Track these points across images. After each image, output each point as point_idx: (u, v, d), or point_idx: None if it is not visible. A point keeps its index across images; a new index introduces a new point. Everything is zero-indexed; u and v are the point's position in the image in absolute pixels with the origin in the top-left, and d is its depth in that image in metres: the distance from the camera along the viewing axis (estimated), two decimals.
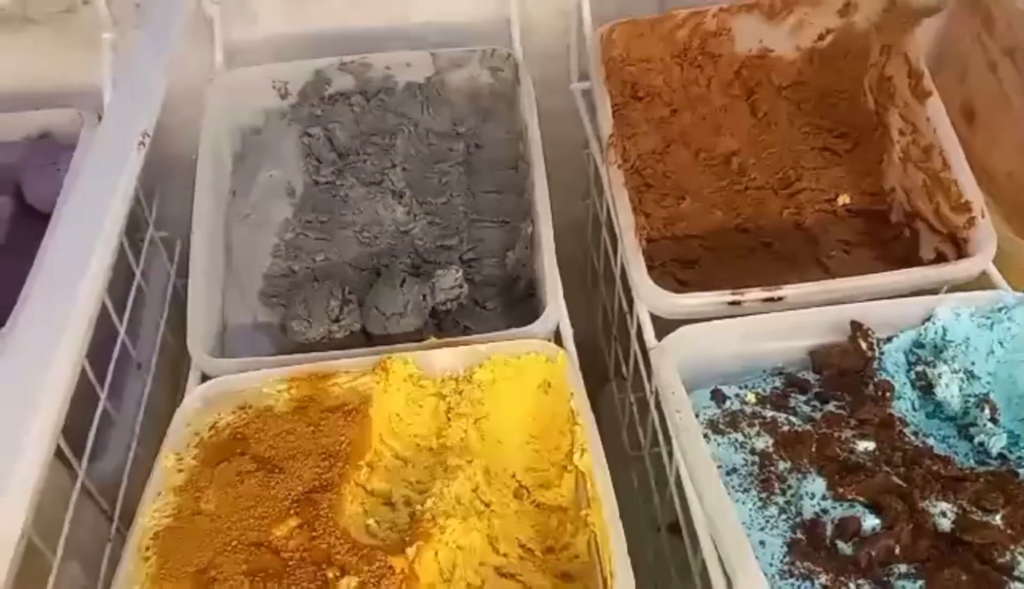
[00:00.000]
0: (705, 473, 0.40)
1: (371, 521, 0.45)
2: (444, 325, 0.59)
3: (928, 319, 0.51)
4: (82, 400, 0.56)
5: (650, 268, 0.56)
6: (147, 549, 0.43)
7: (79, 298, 0.43)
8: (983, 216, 0.55)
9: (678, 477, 0.53)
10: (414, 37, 0.70)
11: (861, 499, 0.41)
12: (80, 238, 0.45)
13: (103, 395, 0.58)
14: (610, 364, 0.77)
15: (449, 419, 0.51)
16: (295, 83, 0.67)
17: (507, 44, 0.69)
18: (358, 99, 0.67)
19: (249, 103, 0.67)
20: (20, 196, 0.66)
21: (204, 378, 0.54)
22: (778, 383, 0.51)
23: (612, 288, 0.70)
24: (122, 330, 0.62)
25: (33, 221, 0.65)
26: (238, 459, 0.47)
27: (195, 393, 0.52)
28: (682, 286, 0.61)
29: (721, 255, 0.63)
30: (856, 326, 0.51)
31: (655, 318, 0.55)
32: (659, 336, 0.53)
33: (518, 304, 0.61)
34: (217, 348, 0.57)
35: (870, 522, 0.40)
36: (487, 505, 0.48)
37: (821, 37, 0.68)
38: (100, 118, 0.67)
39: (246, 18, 0.69)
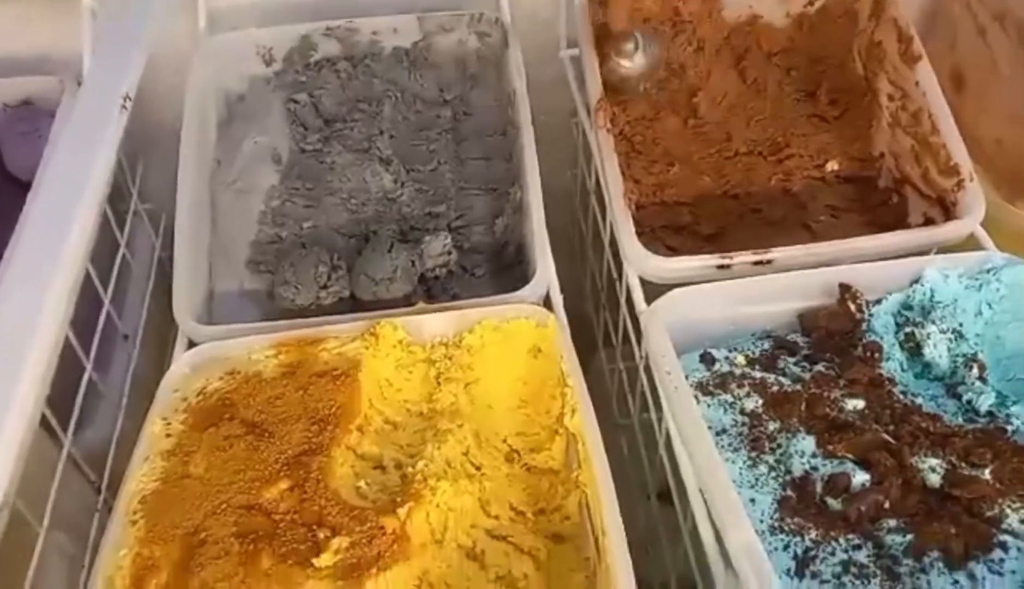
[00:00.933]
0: (695, 433, 0.40)
1: (362, 483, 0.45)
2: (433, 291, 0.59)
3: (916, 281, 0.51)
4: (68, 371, 0.55)
5: (639, 234, 0.55)
6: (135, 513, 0.43)
7: (61, 265, 0.42)
8: (971, 179, 0.55)
9: (668, 441, 0.53)
10: (401, 1, 0.69)
11: (850, 456, 0.42)
12: (62, 204, 0.45)
13: (89, 365, 0.57)
14: (599, 333, 0.77)
15: (439, 384, 0.51)
16: (280, 49, 0.66)
17: (495, 9, 0.68)
18: (344, 65, 0.66)
19: (233, 69, 0.66)
20: (1, 164, 0.65)
21: (191, 345, 0.54)
22: (767, 345, 0.51)
23: (601, 256, 0.70)
24: (107, 301, 0.61)
25: (14, 189, 0.64)
26: (227, 424, 0.47)
27: (183, 359, 0.52)
28: (671, 252, 0.61)
29: (710, 221, 0.63)
30: (845, 288, 0.51)
31: (645, 284, 0.55)
32: (649, 302, 0.53)
33: (507, 270, 0.61)
34: (204, 315, 0.57)
35: (859, 478, 0.40)
36: (478, 468, 0.48)
37: (811, 2, 0.68)
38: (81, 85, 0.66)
39: None
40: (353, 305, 0.57)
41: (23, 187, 0.64)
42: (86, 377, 0.57)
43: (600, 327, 0.76)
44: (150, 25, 0.58)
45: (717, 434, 0.45)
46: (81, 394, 0.56)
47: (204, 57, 0.64)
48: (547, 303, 0.55)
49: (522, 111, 0.61)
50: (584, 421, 0.46)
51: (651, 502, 0.61)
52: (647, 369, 0.58)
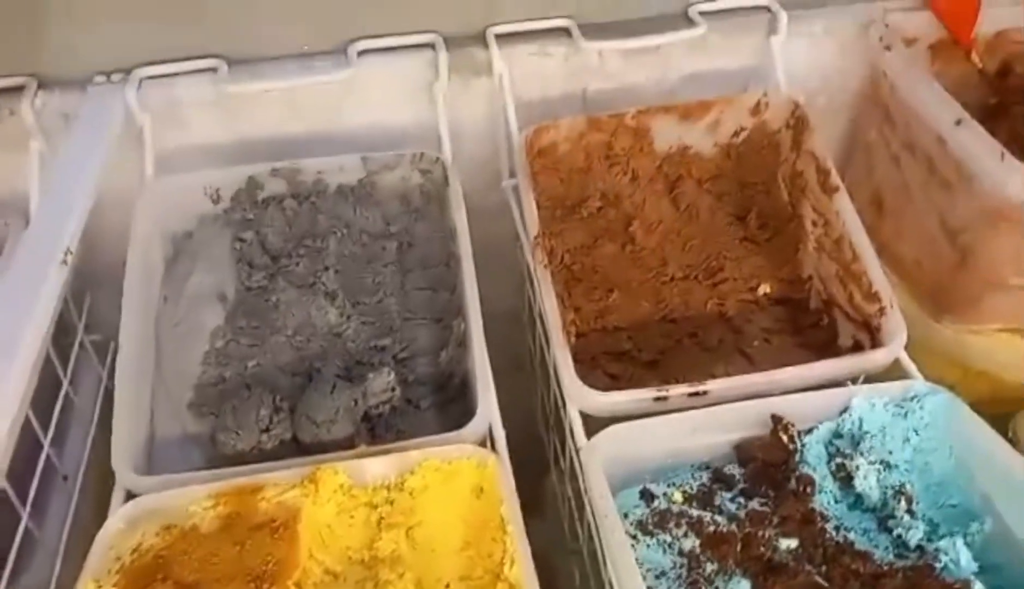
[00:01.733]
0: (631, 585, 0.41)
1: None
2: (377, 429, 0.59)
3: (845, 410, 0.53)
4: (2, 516, 0.54)
5: (581, 362, 0.57)
6: None
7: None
8: (892, 306, 0.57)
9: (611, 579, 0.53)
10: (347, 141, 0.72)
11: None
12: None
13: (25, 512, 0.56)
14: (550, 454, 0.77)
15: (380, 530, 0.51)
16: (227, 189, 0.68)
17: (437, 146, 0.71)
18: (290, 202, 0.68)
19: (181, 209, 0.67)
20: None
21: (129, 495, 0.53)
22: (705, 478, 0.52)
23: (548, 381, 0.71)
24: (47, 443, 0.61)
25: None
26: (159, 586, 0.46)
27: (118, 514, 0.51)
28: (612, 379, 0.63)
29: (649, 347, 0.64)
30: (777, 420, 0.52)
31: (586, 414, 0.56)
32: (594, 428, 0.54)
33: (451, 404, 0.61)
34: (143, 463, 0.56)
35: None
36: None
37: (736, 134, 0.72)
38: (28, 225, 0.67)
39: (178, 125, 0.70)
40: (296, 447, 0.57)
41: None
42: (23, 525, 0.56)
43: (550, 448, 0.76)
44: (96, 172, 0.59)
45: (656, 577, 0.45)
46: (17, 543, 0.55)
47: (151, 198, 0.66)
48: (492, 438, 0.56)
49: (463, 246, 0.63)
50: (522, 573, 0.46)
51: None
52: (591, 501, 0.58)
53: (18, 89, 0.67)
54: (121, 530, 0.50)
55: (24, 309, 0.48)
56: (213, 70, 0.69)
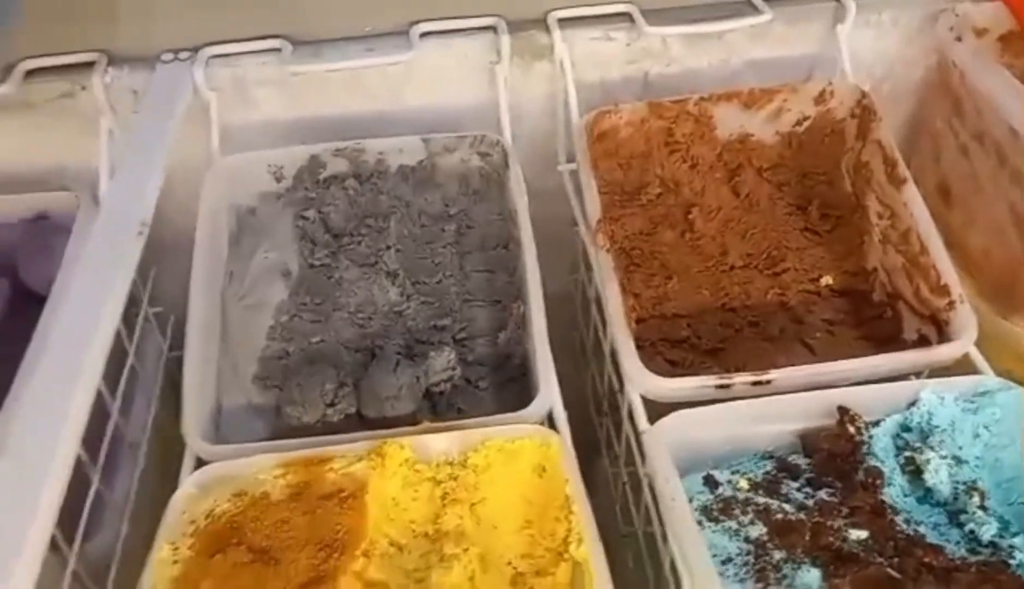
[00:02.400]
0: (701, 568, 0.41)
1: None
2: (438, 406, 0.59)
3: (914, 403, 0.52)
4: (75, 481, 0.56)
5: (639, 347, 0.57)
6: None
7: (79, 390, 0.43)
8: (962, 301, 0.57)
9: (673, 562, 0.53)
10: (407, 122, 0.72)
11: None
12: (81, 330, 0.46)
13: (96, 477, 0.57)
14: (601, 439, 0.77)
15: (444, 504, 0.52)
16: (290, 167, 0.69)
17: (496, 128, 0.71)
18: (352, 182, 0.68)
19: (245, 187, 0.68)
20: (16, 277, 0.67)
21: (199, 462, 0.54)
22: (769, 467, 0.52)
23: (602, 365, 0.71)
24: (115, 412, 0.62)
25: (30, 302, 0.65)
26: (234, 550, 0.47)
27: (190, 479, 0.52)
28: (671, 365, 0.62)
29: (709, 334, 0.64)
30: (843, 411, 0.52)
31: (645, 399, 0.56)
32: (650, 412, 0.54)
33: (510, 383, 0.62)
34: (211, 430, 0.57)
35: None
36: None
37: (799, 123, 0.71)
38: (96, 200, 0.68)
39: (244, 104, 0.71)
40: (359, 422, 0.57)
41: (38, 299, 0.65)
42: (93, 489, 0.57)
43: (603, 433, 0.76)
44: (167, 148, 0.60)
45: (722, 563, 0.45)
46: (88, 508, 0.56)
47: (217, 176, 0.67)
48: (551, 419, 0.56)
49: (524, 229, 0.63)
50: (590, 551, 0.46)
51: None
52: (651, 486, 0.58)
53: (89, 65, 0.69)
54: (193, 495, 0.51)
55: (104, 280, 0.49)
56: (278, 50, 0.70)
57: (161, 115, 0.62)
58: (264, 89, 0.70)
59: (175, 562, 0.47)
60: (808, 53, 0.74)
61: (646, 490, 0.58)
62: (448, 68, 0.71)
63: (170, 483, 0.71)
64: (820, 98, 0.69)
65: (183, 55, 0.69)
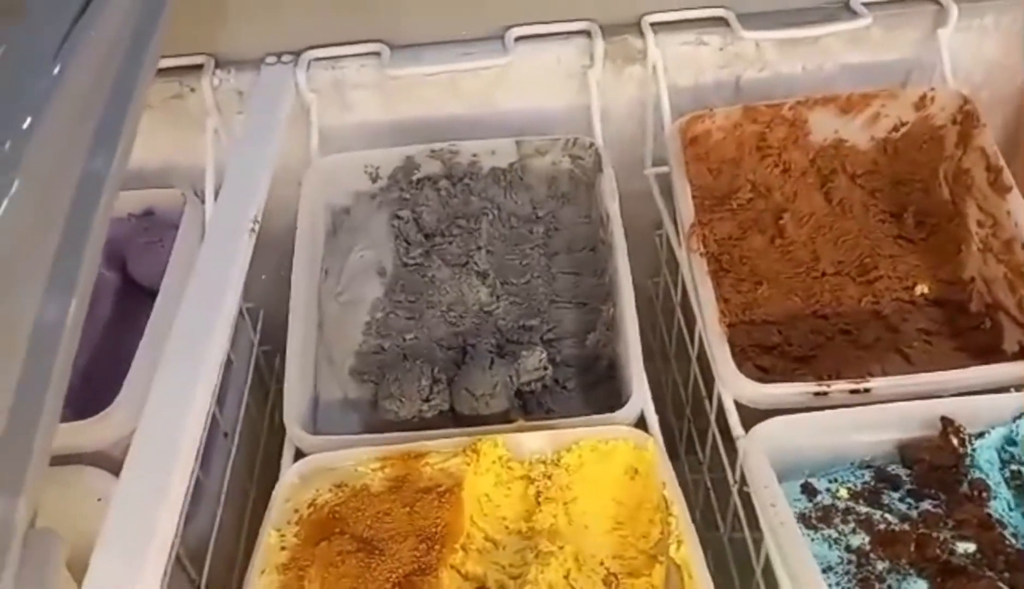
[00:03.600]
0: (808, 575, 0.41)
1: None
2: (528, 405, 0.60)
3: (1020, 416, 0.51)
4: None
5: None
6: None
7: (203, 382, 0.45)
8: None
9: (766, 567, 0.53)
10: (498, 125, 0.73)
11: None
12: (200, 327, 0.48)
13: (196, 464, 0.60)
14: (681, 443, 0.77)
15: (539, 503, 0.52)
16: (386, 168, 0.70)
17: (586, 131, 0.72)
18: (445, 183, 0.70)
19: (342, 186, 0.70)
20: (125, 270, 0.70)
21: (298, 453, 0.56)
22: (868, 477, 0.51)
23: (685, 368, 0.71)
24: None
25: (137, 295, 0.69)
26: (338, 538, 0.49)
27: (292, 469, 0.54)
28: (762, 372, 0.62)
29: (800, 341, 0.63)
30: (947, 422, 0.51)
31: (737, 404, 0.56)
32: (742, 419, 0.54)
33: (597, 385, 0.62)
34: (309, 422, 0.59)
35: None
36: None
37: (896, 128, 0.70)
38: (201, 198, 0.71)
39: (341, 106, 0.73)
40: (452, 418, 0.59)
41: (145, 292, 0.68)
42: (193, 476, 0.60)
43: (683, 437, 0.76)
44: (275, 147, 0.63)
45: (823, 571, 0.45)
46: (189, 493, 0.59)
47: (316, 175, 0.69)
48: (640, 423, 0.56)
49: (616, 232, 0.64)
50: (691, 553, 0.46)
51: None
52: (741, 491, 0.58)
53: (198, 67, 0.72)
54: (295, 485, 0.53)
55: (221, 274, 0.51)
56: (376, 54, 0.72)
57: (267, 115, 0.64)
58: (361, 92, 0.72)
59: (282, 548, 0.49)
60: (905, 58, 0.73)
61: (735, 495, 0.58)
62: (541, 72, 0.72)
63: (264, 473, 0.74)
64: (920, 103, 0.68)
65: (286, 58, 0.72)
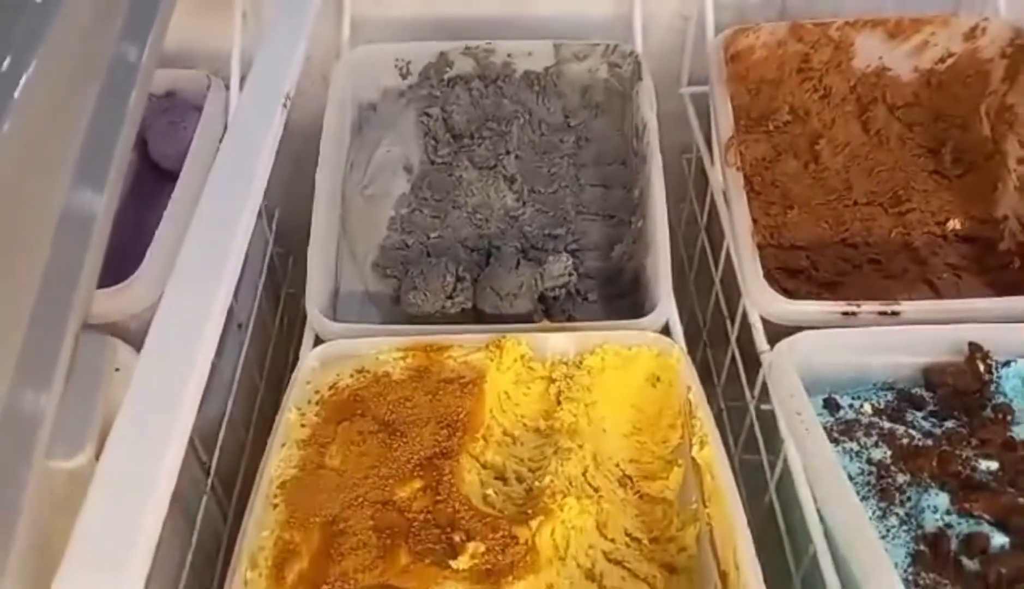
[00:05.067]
0: (832, 477, 0.41)
1: (490, 491, 0.46)
2: (551, 310, 0.60)
3: None
4: None
5: None
6: (275, 497, 0.45)
7: (231, 261, 0.44)
8: None
9: (778, 486, 0.53)
10: (535, 28, 0.71)
11: (987, 517, 0.41)
12: (233, 199, 0.47)
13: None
14: (695, 367, 0.77)
15: (560, 402, 0.52)
16: (417, 64, 0.69)
17: (626, 41, 0.70)
18: (477, 84, 0.68)
19: (371, 80, 0.69)
20: (144, 151, 0.69)
21: (317, 339, 0.56)
22: (891, 397, 0.51)
23: (705, 295, 0.71)
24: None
25: (157, 176, 0.67)
26: (359, 419, 0.49)
27: (313, 354, 0.54)
28: (787, 295, 0.61)
29: (828, 267, 0.63)
30: (975, 347, 0.51)
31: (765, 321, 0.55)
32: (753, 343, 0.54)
33: (619, 298, 0.62)
34: (329, 312, 0.58)
35: (998, 540, 0.40)
36: (596, 490, 0.48)
37: (942, 60, 0.68)
38: (225, 83, 0.69)
39: None
40: (475, 317, 0.58)
41: (165, 174, 0.67)
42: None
43: (697, 363, 0.76)
44: (308, 25, 0.60)
45: None
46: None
47: (347, 65, 0.67)
48: (664, 333, 0.56)
49: (652, 144, 0.62)
50: (714, 454, 0.46)
51: None
52: (758, 409, 0.58)
53: None
54: (315, 368, 0.53)
55: (253, 147, 0.50)
56: None
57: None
58: None
59: (303, 425, 0.49)
60: None
61: (752, 417, 0.58)
62: None
63: (274, 370, 0.74)
64: (970, 34, 0.66)
65: None
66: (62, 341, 0.36)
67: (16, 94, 0.33)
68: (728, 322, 0.63)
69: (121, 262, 0.58)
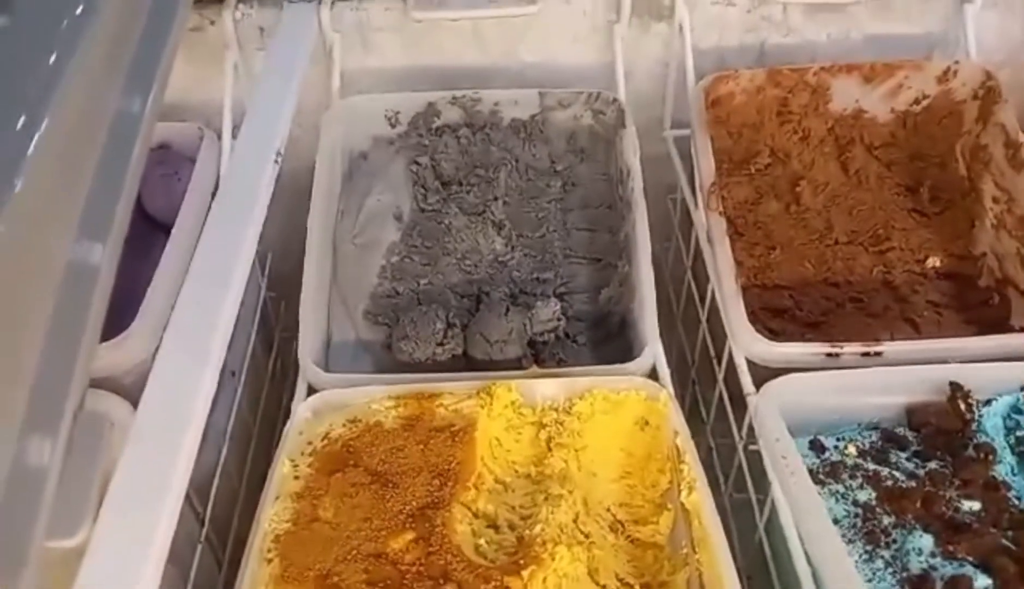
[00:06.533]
0: (817, 521, 0.41)
1: (481, 541, 0.47)
2: (541, 355, 0.61)
3: None
4: None
5: None
6: (269, 551, 0.45)
7: (224, 314, 0.45)
8: None
9: (767, 525, 0.54)
10: (520, 77, 0.73)
11: (971, 559, 0.42)
12: (226, 253, 0.48)
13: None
14: (684, 408, 0.78)
15: (550, 448, 0.53)
16: (406, 113, 0.70)
17: (608, 88, 0.71)
18: (465, 132, 0.70)
19: (360, 129, 0.70)
20: (138, 203, 0.70)
21: (311, 389, 0.56)
22: (875, 437, 0.52)
23: (692, 334, 0.72)
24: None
25: (151, 228, 0.68)
26: (352, 470, 0.49)
27: (306, 404, 0.54)
28: (772, 335, 0.63)
29: (811, 307, 0.64)
30: (956, 387, 0.52)
31: (749, 363, 0.56)
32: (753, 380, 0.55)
33: (608, 341, 0.63)
34: (322, 361, 0.59)
35: (981, 582, 0.41)
36: (587, 536, 0.49)
37: (917, 101, 0.70)
38: (217, 134, 0.70)
39: (363, 48, 0.72)
40: (466, 363, 0.59)
41: (159, 226, 0.68)
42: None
43: (686, 403, 0.77)
44: (298, 82, 0.62)
45: None
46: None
47: (337, 115, 0.68)
48: (652, 376, 0.57)
49: (636, 189, 0.64)
50: (702, 500, 0.47)
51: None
52: (746, 449, 0.59)
53: (220, 1, 0.71)
54: (308, 419, 0.54)
55: (246, 203, 0.51)
56: None
57: (290, 52, 0.63)
58: (384, 34, 0.72)
59: (296, 478, 0.50)
60: (930, 32, 0.73)
61: (741, 457, 0.59)
62: (566, 24, 0.72)
63: (267, 416, 0.74)
64: (943, 77, 0.68)
65: None
66: (67, 398, 0.36)
67: (29, 152, 0.34)
68: (715, 362, 0.64)
69: (114, 315, 0.59)
